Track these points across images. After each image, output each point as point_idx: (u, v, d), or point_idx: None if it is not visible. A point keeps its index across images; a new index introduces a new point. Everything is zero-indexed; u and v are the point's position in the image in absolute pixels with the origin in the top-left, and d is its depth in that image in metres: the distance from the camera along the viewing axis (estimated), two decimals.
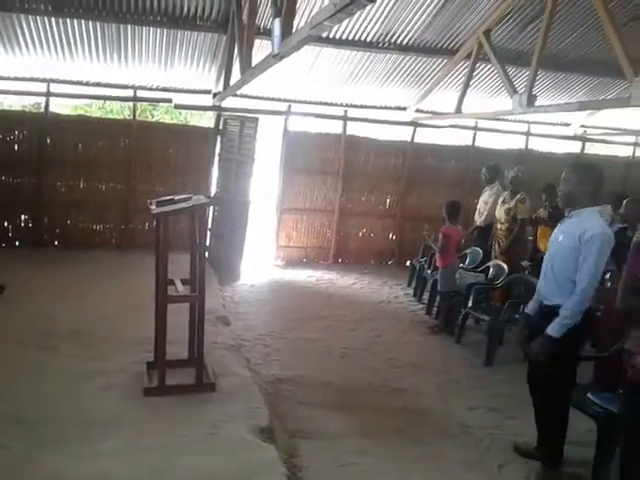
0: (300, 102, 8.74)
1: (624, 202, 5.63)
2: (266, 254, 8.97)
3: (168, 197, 4.08)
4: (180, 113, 12.92)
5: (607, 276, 5.33)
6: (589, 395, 3.54)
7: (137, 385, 3.95)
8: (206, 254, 7.54)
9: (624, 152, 10.89)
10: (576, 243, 3.18)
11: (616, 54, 5.29)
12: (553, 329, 3.22)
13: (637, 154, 10.81)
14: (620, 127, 9.94)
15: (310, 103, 8.83)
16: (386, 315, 6.71)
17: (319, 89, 8.50)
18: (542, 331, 3.30)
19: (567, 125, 10.12)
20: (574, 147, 10.48)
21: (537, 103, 6.16)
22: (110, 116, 12.63)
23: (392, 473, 3.36)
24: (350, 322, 6.29)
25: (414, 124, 9.16)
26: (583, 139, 10.40)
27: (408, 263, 8.43)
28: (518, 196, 6.51)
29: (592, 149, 10.68)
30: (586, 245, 3.14)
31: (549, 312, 3.33)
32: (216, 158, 8.40)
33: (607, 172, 9.10)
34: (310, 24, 2.97)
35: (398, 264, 9.34)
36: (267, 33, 5.88)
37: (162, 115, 13.44)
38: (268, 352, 5.17)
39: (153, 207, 3.95)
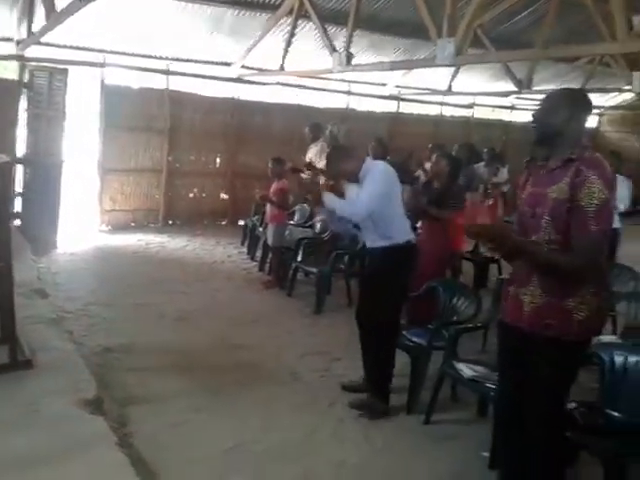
0: (118, 53, 8.13)
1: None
2: (89, 219, 8.36)
3: None
4: None
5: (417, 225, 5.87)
6: (404, 332, 3.92)
7: None
8: (17, 222, 6.93)
9: (434, 111, 11.90)
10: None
11: (422, 16, 5.68)
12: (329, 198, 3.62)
13: (444, 112, 11.88)
14: (430, 87, 10.81)
15: (130, 55, 8.25)
16: (220, 275, 6.71)
17: (139, 41, 7.97)
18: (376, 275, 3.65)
19: (384, 85, 10.74)
20: (391, 106, 11.19)
21: (354, 62, 6.43)
22: None
23: (226, 424, 3.43)
24: (184, 284, 6.18)
25: (240, 80, 9.05)
26: (398, 98, 11.14)
27: (241, 222, 8.46)
28: None
29: (407, 108, 11.48)
30: (367, 178, 3.54)
31: (372, 254, 3.65)
32: (22, 114, 7.51)
33: (419, 129, 9.95)
34: None
35: (231, 223, 9.33)
36: None
37: None
38: (94, 322, 4.87)
39: None
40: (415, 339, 3.87)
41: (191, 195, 9.17)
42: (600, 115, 13.69)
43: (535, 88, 8.89)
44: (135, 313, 5.19)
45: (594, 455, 2.75)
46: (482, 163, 8.05)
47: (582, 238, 2.28)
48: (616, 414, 2.81)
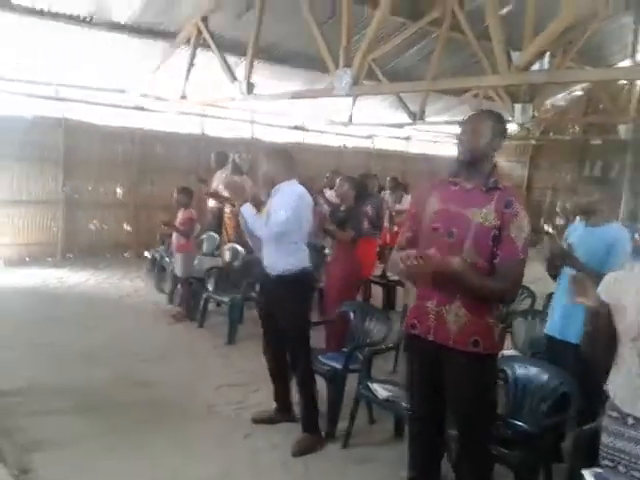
0: (6, 80, 7.68)
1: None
2: None
3: None
4: None
5: (327, 251, 5.99)
6: (319, 357, 3.96)
7: None
8: None
9: (336, 142, 12.27)
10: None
11: (319, 48, 5.87)
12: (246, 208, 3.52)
13: (346, 144, 12.29)
14: (331, 119, 11.15)
15: (17, 81, 7.82)
16: (127, 309, 6.43)
17: (31, 67, 7.59)
18: (278, 300, 3.59)
19: (287, 116, 10.93)
20: (295, 137, 11.40)
21: (256, 92, 6.52)
22: None
23: (139, 466, 3.26)
24: (88, 321, 5.85)
25: (140, 108, 8.85)
26: (302, 129, 11.38)
27: (146, 253, 8.18)
28: (242, 178, 6.98)
29: (310, 139, 11.74)
30: (279, 201, 3.50)
31: (279, 281, 3.59)
32: None
33: (322, 159, 10.18)
34: None
35: (136, 255, 8.99)
36: None
37: None
38: None
39: None
40: (330, 363, 3.91)
41: (91, 227, 8.77)
42: None
43: (427, 120, 9.45)
44: (34, 353, 4.83)
45: (505, 465, 2.86)
46: (387, 192, 8.43)
47: (510, 265, 2.40)
48: (521, 424, 2.99)
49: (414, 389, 2.78)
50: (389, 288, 6.69)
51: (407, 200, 8.46)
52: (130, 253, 9.10)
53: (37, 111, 8.17)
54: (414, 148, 13.90)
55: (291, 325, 3.60)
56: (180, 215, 6.09)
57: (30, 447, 3.31)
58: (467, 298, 2.44)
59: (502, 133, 2.55)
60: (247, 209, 3.55)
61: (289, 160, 3.66)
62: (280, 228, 3.45)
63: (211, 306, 6.14)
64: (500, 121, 2.55)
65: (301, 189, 3.61)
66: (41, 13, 6.53)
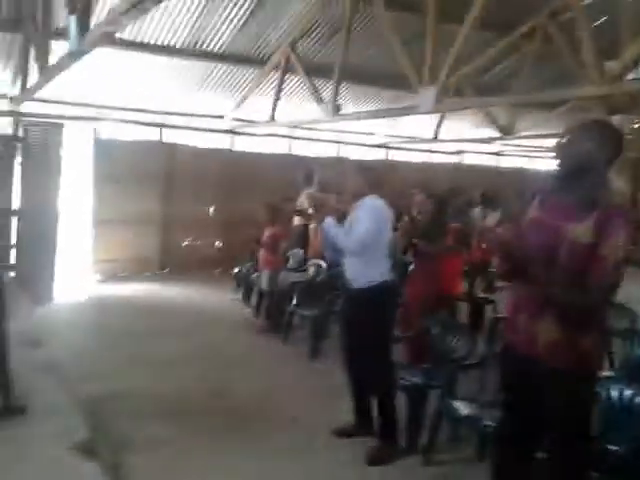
0: (111, 108, 8.37)
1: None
2: (84, 269, 8.38)
3: None
4: None
5: (411, 268, 5.94)
6: (400, 372, 3.92)
7: None
8: (12, 274, 6.95)
9: (419, 158, 12.20)
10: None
11: (404, 68, 5.91)
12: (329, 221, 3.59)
13: (432, 160, 12.19)
14: (415, 136, 11.12)
15: (123, 109, 8.50)
16: (215, 321, 6.69)
17: (132, 95, 8.22)
18: (356, 316, 3.60)
19: (372, 134, 11.04)
20: (380, 154, 11.47)
21: (342, 112, 6.66)
22: None
23: (221, 471, 3.37)
24: (179, 332, 6.15)
25: (232, 132, 9.29)
26: (386, 147, 11.43)
27: (235, 269, 8.49)
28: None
29: (395, 157, 11.76)
30: (360, 214, 3.55)
31: (361, 294, 3.61)
32: (17, 168, 7.65)
33: (408, 175, 10.04)
34: (106, 20, 2.91)
35: (225, 271, 9.35)
36: (65, 33, 5.54)
37: None
38: (88, 370, 4.82)
39: None
40: (411, 379, 3.87)
41: (185, 244, 9.23)
42: None
43: (518, 134, 9.18)
44: (129, 361, 5.14)
45: None
46: (477, 208, 8.25)
47: (601, 281, 2.25)
48: (614, 447, 2.80)
49: (504, 405, 2.66)
50: (476, 306, 6.50)
51: (495, 217, 8.21)
52: (220, 269, 9.47)
53: (139, 135, 8.79)
54: (505, 163, 13.51)
55: (372, 338, 3.60)
56: (267, 231, 6.29)
57: (120, 446, 3.52)
58: (559, 314, 2.31)
59: (611, 143, 2.34)
60: (329, 222, 3.63)
61: (375, 176, 3.73)
62: (361, 240, 3.50)
63: (296, 320, 6.26)
64: (607, 130, 2.36)
65: (381, 202, 3.65)
66: (142, 46, 7.07)
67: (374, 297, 3.59)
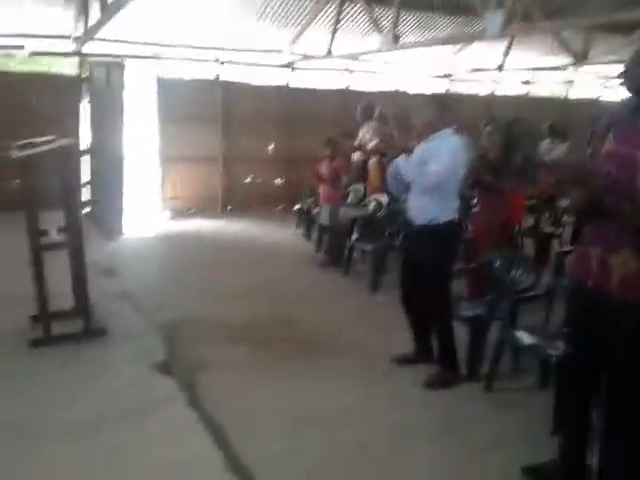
0: (170, 46, 8.39)
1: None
2: (153, 206, 8.72)
3: (27, 141, 3.82)
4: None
5: (474, 201, 5.82)
6: (462, 305, 3.94)
7: (21, 339, 3.82)
8: (87, 210, 7.30)
9: (484, 90, 11.68)
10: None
11: None
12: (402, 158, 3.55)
13: (497, 92, 11.63)
14: (481, 67, 10.60)
15: (181, 46, 8.50)
16: (278, 255, 6.86)
17: (190, 32, 8.20)
18: (419, 253, 3.62)
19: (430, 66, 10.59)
20: (441, 87, 11.06)
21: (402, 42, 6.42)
22: None
23: (288, 390, 3.54)
24: (244, 265, 6.36)
25: (290, 67, 9.17)
26: (449, 77, 10.99)
27: (296, 206, 8.58)
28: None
29: (458, 88, 11.30)
30: (437, 150, 3.44)
31: (424, 231, 3.59)
32: (84, 108, 7.90)
33: (471, 108, 9.59)
34: None
35: (286, 208, 9.49)
36: None
37: (19, 65, 12.20)
38: (161, 298, 5.09)
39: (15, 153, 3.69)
40: (473, 311, 3.88)
41: (247, 181, 9.37)
42: None
43: (591, 61, 8.58)
44: (199, 290, 5.39)
45: None
46: (545, 140, 7.90)
47: None
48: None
49: (570, 340, 2.63)
50: (542, 240, 6.34)
51: (562, 149, 7.86)
52: (281, 205, 9.60)
53: (199, 74, 8.82)
54: (576, 93, 12.73)
55: (433, 274, 3.60)
56: (327, 166, 6.28)
57: (195, 367, 3.76)
58: (639, 245, 2.20)
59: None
60: (401, 159, 3.58)
61: (449, 108, 3.60)
62: (436, 178, 3.43)
63: (355, 254, 6.33)
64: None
65: (458, 138, 3.54)
66: None
67: (439, 236, 3.55)
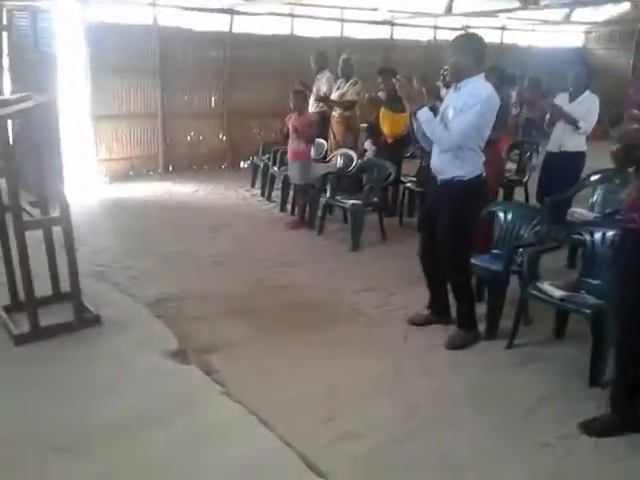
0: None
1: None
2: (87, 171, 7.86)
3: None
4: None
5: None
6: (473, 260, 3.79)
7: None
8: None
9: (425, 36, 11.45)
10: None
11: None
12: (422, 114, 3.27)
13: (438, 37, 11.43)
14: (422, 11, 10.32)
15: None
16: (242, 218, 6.43)
17: None
18: (443, 210, 3.40)
19: (375, 10, 10.20)
20: (383, 32, 10.72)
21: None
22: None
23: (305, 366, 3.29)
24: (208, 230, 5.91)
25: (231, 12, 8.48)
26: (391, 23, 10.65)
27: (246, 163, 8.12)
28: (351, 80, 6.72)
29: (400, 34, 10.99)
30: (467, 99, 3.19)
31: (448, 186, 3.38)
32: (5, 60, 6.89)
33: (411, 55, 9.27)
34: None
35: (232, 166, 8.98)
36: None
37: None
38: (133, 274, 4.59)
39: None
40: (487, 265, 3.76)
41: (189, 139, 8.71)
42: (587, 33, 13.43)
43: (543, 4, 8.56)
44: (171, 262, 4.93)
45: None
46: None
47: None
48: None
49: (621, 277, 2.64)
50: (507, 189, 6.31)
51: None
52: (226, 164, 9.06)
53: (131, 18, 7.94)
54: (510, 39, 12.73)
55: (455, 231, 3.39)
56: (295, 119, 5.85)
57: (205, 350, 3.40)
58: None
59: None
60: (424, 114, 3.28)
61: (482, 50, 3.25)
62: (462, 135, 3.19)
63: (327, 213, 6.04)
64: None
65: (491, 89, 3.24)
66: None
67: (463, 191, 3.34)
